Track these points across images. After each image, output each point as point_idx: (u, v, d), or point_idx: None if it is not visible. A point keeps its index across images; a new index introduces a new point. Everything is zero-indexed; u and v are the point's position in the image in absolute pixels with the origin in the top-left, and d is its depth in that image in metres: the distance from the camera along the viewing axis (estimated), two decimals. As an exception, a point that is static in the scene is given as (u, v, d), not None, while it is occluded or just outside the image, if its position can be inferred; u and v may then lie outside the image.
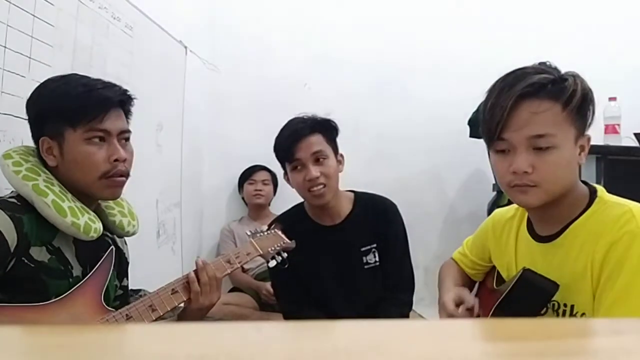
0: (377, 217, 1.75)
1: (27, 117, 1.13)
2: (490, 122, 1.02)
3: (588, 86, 1.03)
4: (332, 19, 3.14)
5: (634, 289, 0.93)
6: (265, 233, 1.44)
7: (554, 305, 1.07)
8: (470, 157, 3.10)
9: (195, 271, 1.22)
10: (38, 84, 1.15)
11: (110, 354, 0.32)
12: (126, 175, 1.15)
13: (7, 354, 0.30)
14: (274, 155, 1.77)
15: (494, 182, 2.93)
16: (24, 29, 1.32)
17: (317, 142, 1.67)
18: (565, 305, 1.05)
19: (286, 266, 1.47)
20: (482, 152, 3.34)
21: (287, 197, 3.05)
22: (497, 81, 1.05)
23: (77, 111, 1.07)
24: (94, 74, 1.23)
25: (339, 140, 1.77)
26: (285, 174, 1.75)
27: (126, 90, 1.15)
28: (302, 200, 1.79)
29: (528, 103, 0.99)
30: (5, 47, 1.25)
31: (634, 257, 0.93)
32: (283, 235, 1.46)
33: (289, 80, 3.10)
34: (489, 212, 2.84)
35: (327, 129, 1.71)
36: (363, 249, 1.73)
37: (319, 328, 0.40)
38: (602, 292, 0.97)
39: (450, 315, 1.16)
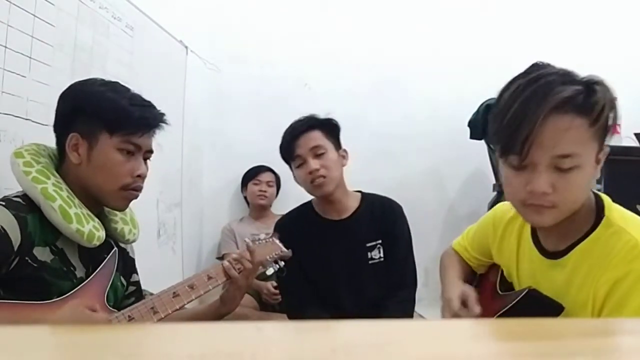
0: (383, 215, 1.79)
1: (56, 109, 1.14)
2: (512, 134, 0.91)
3: (613, 94, 0.94)
4: (332, 19, 3.14)
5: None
6: (264, 241, 1.45)
7: None
8: (471, 157, 3.10)
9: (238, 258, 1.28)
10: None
11: (112, 353, 0.32)
12: (140, 191, 1.18)
13: (7, 353, 0.30)
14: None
15: (494, 182, 2.93)
16: (25, 28, 1.33)
17: (315, 137, 1.72)
18: None
19: (284, 274, 1.50)
20: (483, 151, 3.36)
21: (288, 199, 3.06)
22: (517, 86, 0.94)
23: (120, 121, 1.10)
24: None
25: (341, 140, 1.79)
26: (293, 175, 1.79)
27: (163, 114, 1.19)
28: (309, 199, 1.83)
29: (557, 119, 0.89)
30: (5, 47, 1.25)
31: (636, 299, 0.89)
32: (280, 244, 1.47)
33: (289, 80, 3.10)
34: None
35: (326, 125, 1.75)
36: (368, 244, 1.76)
37: (319, 328, 0.40)
38: None
39: (455, 314, 1.14)
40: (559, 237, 1.02)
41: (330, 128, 1.76)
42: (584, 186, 0.95)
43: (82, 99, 1.12)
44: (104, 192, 1.13)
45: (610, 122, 0.94)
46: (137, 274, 1.32)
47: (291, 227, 1.80)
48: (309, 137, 1.71)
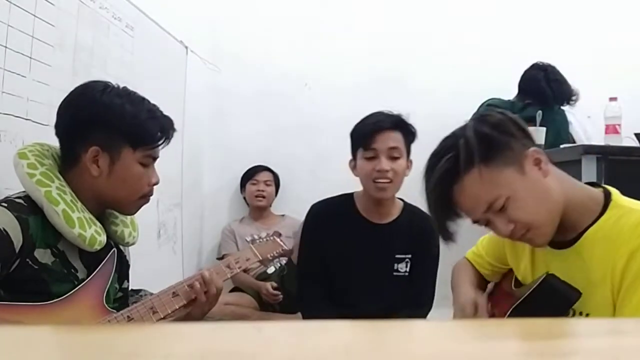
0: (420, 231, 1.77)
1: (65, 115, 1.13)
2: (438, 219, 1.08)
3: (483, 125, 1.01)
4: (332, 18, 3.14)
5: None
6: (265, 240, 1.46)
7: (570, 312, 1.05)
8: (471, 157, 3.09)
9: (201, 282, 1.22)
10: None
11: (112, 354, 0.32)
12: (151, 196, 1.21)
13: (7, 353, 0.30)
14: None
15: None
16: (25, 28, 1.33)
17: (395, 138, 1.69)
18: (581, 313, 1.04)
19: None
20: (483, 152, 3.30)
21: (288, 199, 3.07)
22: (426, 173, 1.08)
23: (144, 136, 1.13)
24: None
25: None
26: (353, 160, 1.76)
27: (172, 122, 1.21)
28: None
29: (456, 191, 1.01)
30: (5, 47, 1.25)
31: None
32: (282, 243, 1.48)
33: (289, 79, 3.10)
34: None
35: (408, 130, 1.73)
36: (398, 255, 1.76)
37: (319, 328, 0.40)
38: (623, 300, 0.95)
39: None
40: (567, 228, 1.04)
41: (410, 134, 1.74)
42: (528, 201, 1.00)
43: (102, 112, 1.11)
44: (124, 202, 1.16)
45: (506, 140, 1.00)
46: (128, 281, 1.32)
47: (327, 215, 1.79)
48: (391, 135, 1.69)
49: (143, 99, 1.17)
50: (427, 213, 1.81)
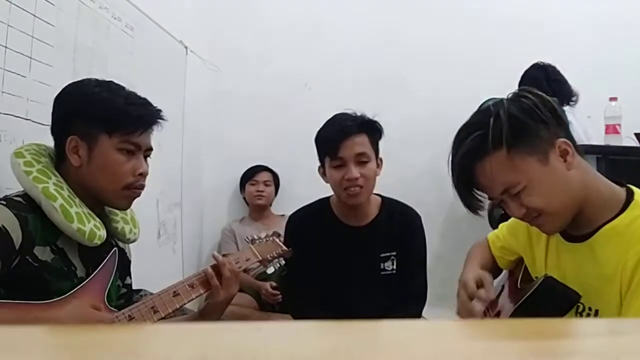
0: (401, 226, 1.75)
1: (52, 112, 1.14)
2: (459, 191, 1.10)
3: (516, 108, 1.00)
4: (332, 18, 3.14)
5: None
6: (264, 240, 1.46)
7: (578, 307, 1.05)
8: (471, 157, 3.09)
9: (214, 266, 1.24)
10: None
11: (112, 353, 0.32)
12: (142, 189, 1.18)
13: (7, 353, 0.30)
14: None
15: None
16: (25, 29, 1.33)
17: (362, 143, 1.65)
18: (590, 309, 1.03)
19: (284, 273, 1.50)
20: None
21: (288, 199, 3.06)
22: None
23: (118, 121, 1.11)
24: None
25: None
26: (321, 167, 1.74)
27: (160, 111, 1.19)
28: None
29: (478, 168, 1.03)
30: (6, 47, 1.25)
31: None
32: (281, 243, 1.48)
33: (289, 80, 3.10)
34: (490, 212, 2.84)
35: (373, 130, 1.69)
36: (382, 255, 1.73)
37: (319, 328, 0.40)
38: (630, 300, 0.95)
39: (470, 295, 1.14)
40: (585, 224, 1.04)
41: (376, 134, 1.70)
42: (545, 189, 1.00)
43: (78, 101, 1.12)
44: (107, 192, 1.13)
45: (537, 126, 1.00)
46: (130, 277, 1.31)
47: (305, 224, 1.76)
48: (356, 141, 1.63)
49: (123, 88, 1.16)
50: (407, 205, 1.82)
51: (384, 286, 1.71)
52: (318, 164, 1.75)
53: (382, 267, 1.72)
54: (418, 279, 1.75)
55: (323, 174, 1.73)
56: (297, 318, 1.82)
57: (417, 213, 1.81)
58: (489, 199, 1.09)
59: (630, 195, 1.02)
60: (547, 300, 1.03)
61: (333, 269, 1.72)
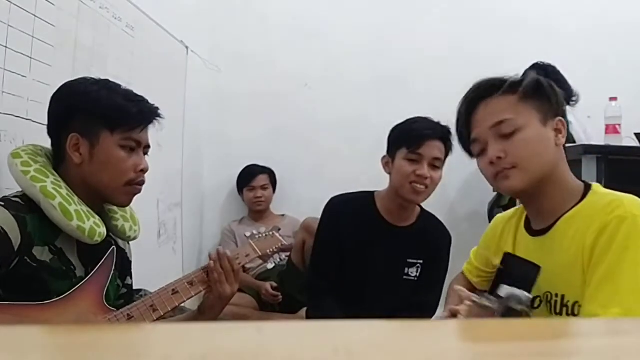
0: (434, 238, 1.81)
1: (49, 111, 1.14)
2: (459, 132, 1.18)
3: (545, 79, 1.12)
4: (332, 19, 3.14)
5: (622, 265, 0.95)
6: (264, 235, 1.45)
7: (547, 296, 1.09)
8: (471, 157, 3.09)
9: (214, 261, 1.25)
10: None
11: (112, 353, 0.32)
12: (142, 185, 1.19)
13: (7, 353, 0.30)
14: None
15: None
16: (25, 28, 1.32)
17: (439, 148, 1.71)
18: (557, 295, 1.08)
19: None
20: (483, 152, 3.29)
21: (288, 199, 3.06)
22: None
23: (120, 118, 1.11)
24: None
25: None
26: (387, 155, 1.77)
27: (158, 108, 1.19)
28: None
29: (483, 103, 1.12)
30: (6, 47, 1.25)
31: (621, 238, 0.96)
32: (281, 238, 1.47)
33: (289, 79, 3.10)
34: (489, 212, 2.84)
35: (450, 146, 1.73)
36: (410, 260, 1.78)
37: (319, 328, 0.40)
38: (592, 273, 0.99)
39: (467, 297, 1.15)
40: (547, 215, 1.11)
41: (450, 149, 1.73)
42: (533, 143, 1.07)
43: (77, 98, 1.12)
44: (109, 189, 1.14)
45: (552, 99, 1.10)
46: (131, 277, 1.31)
47: (345, 212, 1.80)
48: (438, 146, 1.70)
49: (120, 85, 1.17)
50: (441, 221, 1.88)
51: (402, 290, 1.77)
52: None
53: (406, 271, 1.78)
54: (435, 291, 1.80)
55: (386, 164, 1.78)
56: (310, 299, 1.87)
57: (449, 232, 1.87)
58: (472, 141, 1.13)
59: (588, 188, 1.10)
60: (512, 275, 1.07)
61: (359, 261, 1.77)
